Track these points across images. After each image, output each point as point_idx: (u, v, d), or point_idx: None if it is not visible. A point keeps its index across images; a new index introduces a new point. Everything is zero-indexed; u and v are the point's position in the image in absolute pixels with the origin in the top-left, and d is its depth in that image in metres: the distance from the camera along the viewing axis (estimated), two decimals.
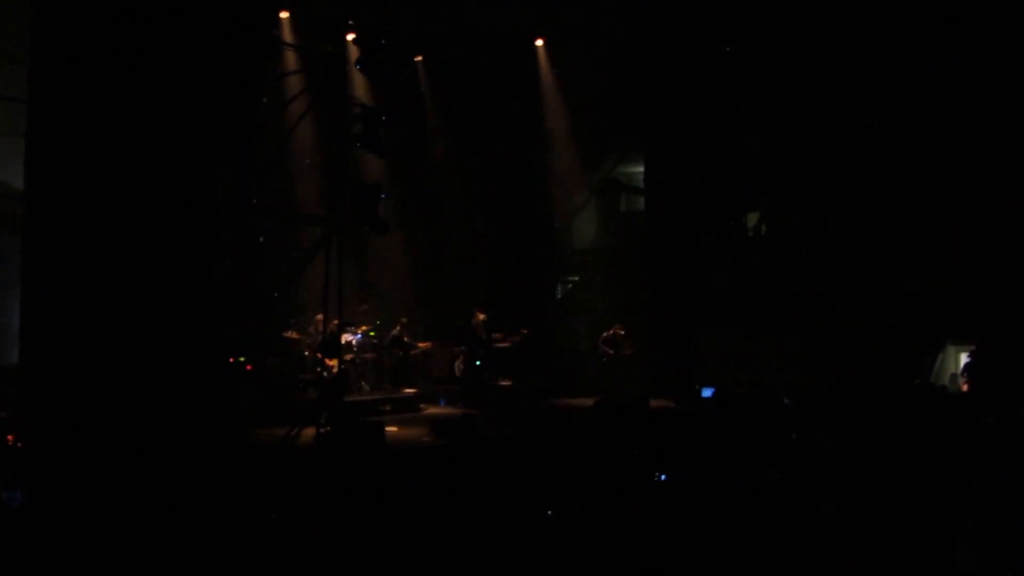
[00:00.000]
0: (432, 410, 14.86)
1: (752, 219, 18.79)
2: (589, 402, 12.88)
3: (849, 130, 16.59)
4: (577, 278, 20.39)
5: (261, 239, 14.47)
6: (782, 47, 16.59)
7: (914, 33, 15.42)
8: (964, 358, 13.51)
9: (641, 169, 19.79)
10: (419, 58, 17.41)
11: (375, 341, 15.59)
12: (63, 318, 6.13)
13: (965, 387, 12.81)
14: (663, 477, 8.05)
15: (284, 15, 14.40)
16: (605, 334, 16.80)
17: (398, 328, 15.79)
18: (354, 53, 13.73)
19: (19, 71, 6.96)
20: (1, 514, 6.13)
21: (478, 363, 15.40)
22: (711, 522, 6.60)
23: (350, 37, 14.32)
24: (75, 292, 6.13)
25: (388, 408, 14.28)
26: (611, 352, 16.58)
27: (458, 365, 16.00)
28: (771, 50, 16.85)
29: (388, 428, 11.16)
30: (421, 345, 16.28)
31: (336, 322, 11.89)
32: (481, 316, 15.41)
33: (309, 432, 10.56)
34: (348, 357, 14.33)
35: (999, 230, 15.24)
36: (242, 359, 12.85)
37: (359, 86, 15.54)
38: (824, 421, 8.78)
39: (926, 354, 15.04)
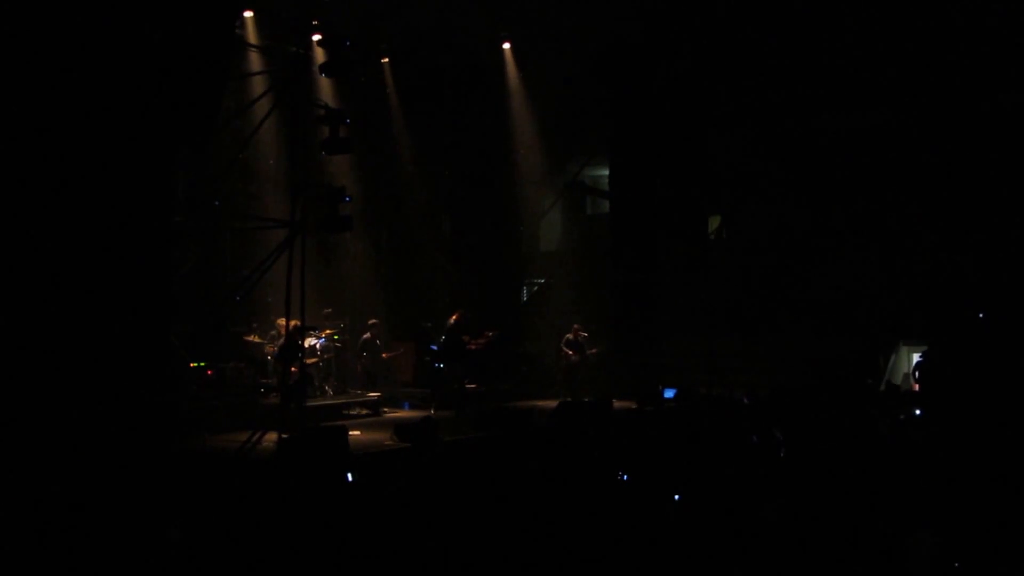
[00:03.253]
0: (397, 414, 14.81)
1: (714, 222, 18.99)
2: (554, 404, 12.96)
3: (807, 134, 16.87)
4: (543, 280, 20.46)
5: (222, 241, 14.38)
6: (745, 52, 16.79)
7: (871, 37, 15.68)
8: (916, 358, 13.76)
9: (606, 172, 19.91)
10: (385, 60, 17.37)
11: (339, 344, 15.51)
12: (10, 319, 6.04)
13: (916, 387, 13.03)
14: (625, 477, 8.11)
15: (248, 14, 14.31)
16: (567, 336, 16.83)
17: (368, 333, 15.72)
18: (319, 54, 13.68)
19: None
20: None
21: (439, 365, 15.37)
22: (670, 520, 6.67)
23: (315, 38, 14.26)
24: (25, 294, 6.05)
25: (352, 412, 14.21)
26: (572, 354, 16.60)
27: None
28: (734, 55, 17.05)
29: (352, 432, 11.11)
30: (386, 356, 16.22)
31: (296, 324, 11.80)
32: (453, 318, 15.39)
33: (271, 437, 10.48)
34: (311, 360, 14.24)
35: (952, 232, 15.55)
36: (202, 363, 12.72)
37: (324, 87, 15.49)
38: (780, 421, 8.89)
39: (879, 354, 15.33)
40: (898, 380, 14.75)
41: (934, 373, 11.97)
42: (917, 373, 12.86)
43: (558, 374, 17.12)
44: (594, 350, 16.78)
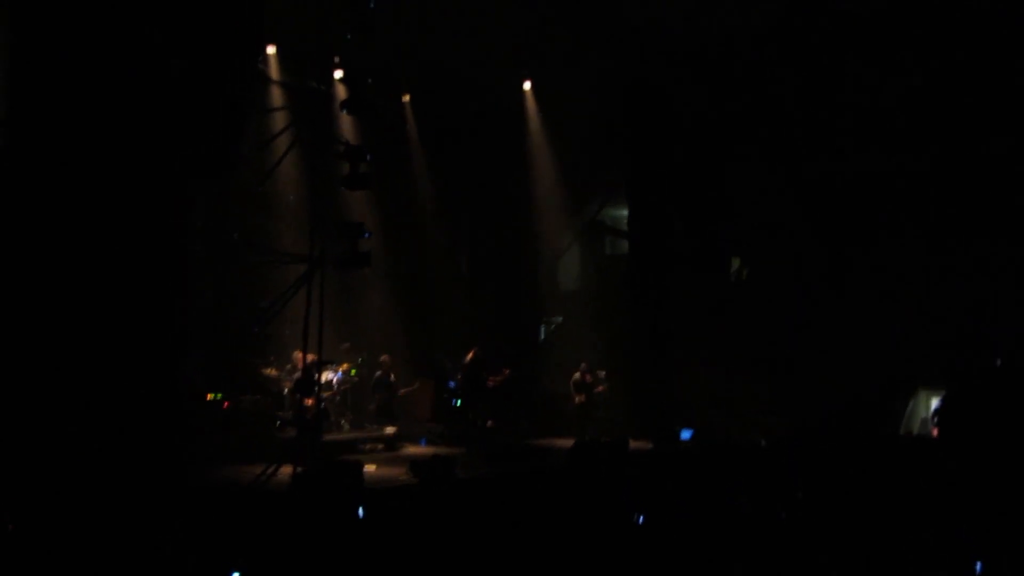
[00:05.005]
0: (412, 449, 14.75)
1: (733, 263, 18.91)
2: (570, 442, 12.85)
3: (827, 176, 16.80)
4: (561, 319, 20.40)
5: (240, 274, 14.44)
6: (765, 93, 16.83)
7: (892, 79, 15.68)
8: (935, 403, 13.56)
9: (625, 212, 19.92)
10: (406, 97, 17.55)
11: (356, 379, 15.50)
12: (29, 350, 6.07)
13: (935, 432, 12.83)
14: (640, 519, 8.00)
15: (271, 50, 14.53)
16: (574, 376, 16.71)
17: (381, 371, 15.69)
18: (340, 90, 13.85)
19: None
20: None
21: (457, 402, 15.32)
22: (687, 564, 6.56)
23: (337, 75, 14.44)
24: (42, 323, 6.08)
25: (368, 447, 14.16)
26: (581, 397, 16.50)
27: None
28: (754, 96, 17.09)
29: (367, 467, 11.07)
30: (403, 391, 16.19)
31: (313, 358, 11.81)
32: (471, 354, 15.36)
33: (286, 470, 10.44)
34: (327, 394, 14.22)
35: (972, 277, 15.41)
36: (219, 395, 12.73)
37: (345, 123, 15.65)
38: (798, 466, 8.77)
39: (898, 399, 15.11)
40: (916, 425, 14.52)
41: (954, 418, 11.78)
42: (936, 418, 12.67)
43: (578, 412, 17.00)
44: (600, 388, 16.63)
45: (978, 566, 5.45)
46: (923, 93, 15.61)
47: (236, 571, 5.50)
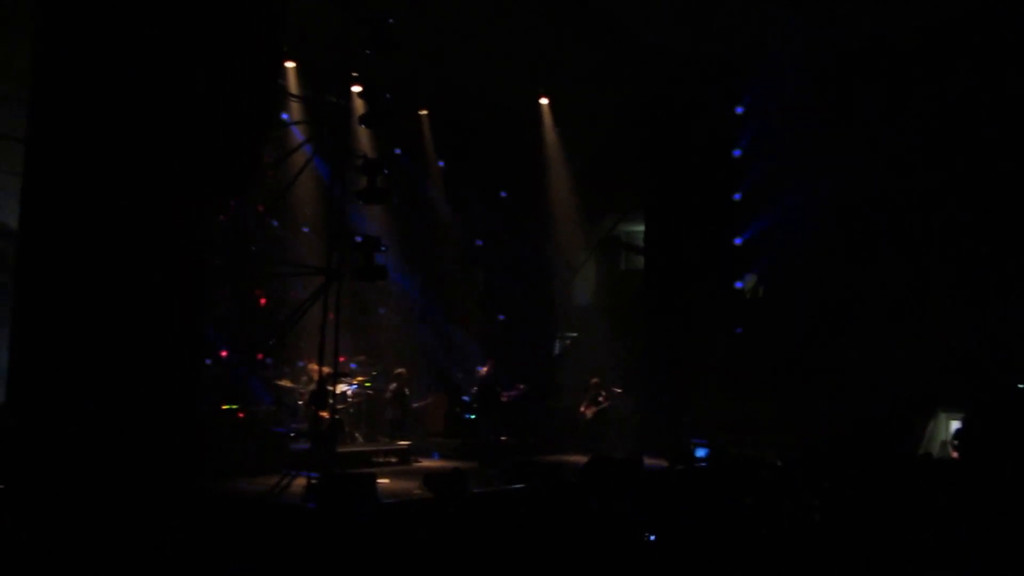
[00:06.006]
0: (426, 463, 14.74)
1: (750, 281, 18.86)
2: (584, 459, 12.80)
3: (845, 194, 16.72)
4: (576, 335, 20.37)
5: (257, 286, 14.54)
6: (780, 111, 16.83)
7: (909, 99, 15.65)
8: (955, 425, 13.43)
9: (641, 228, 19.91)
10: (424, 112, 17.65)
11: (370, 392, 15.53)
12: (51, 360, 6.12)
13: (955, 455, 12.72)
14: (652, 538, 7.95)
15: (290, 65, 14.66)
16: (584, 402, 16.68)
17: (395, 384, 15.71)
18: (358, 104, 13.94)
19: (19, 110, 7.10)
20: None
21: (471, 416, 15.32)
22: None
23: (355, 89, 14.54)
24: (64, 333, 6.14)
25: (381, 460, 14.16)
26: (585, 411, 16.46)
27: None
28: (770, 114, 17.11)
29: (380, 480, 11.08)
30: (417, 405, 16.21)
31: (328, 370, 11.85)
32: (485, 369, 15.37)
33: (300, 482, 10.46)
34: (342, 407, 14.25)
35: (992, 299, 15.28)
36: (234, 406, 12.78)
37: (362, 137, 15.75)
38: (816, 487, 8.69)
39: (917, 421, 14.95)
40: (936, 447, 14.38)
41: (974, 442, 11.68)
42: (956, 441, 12.57)
43: (593, 428, 16.95)
44: (605, 402, 16.57)
45: None
46: (941, 111, 15.58)
47: None
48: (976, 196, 15.65)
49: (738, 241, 17.88)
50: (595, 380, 16.69)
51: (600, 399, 16.53)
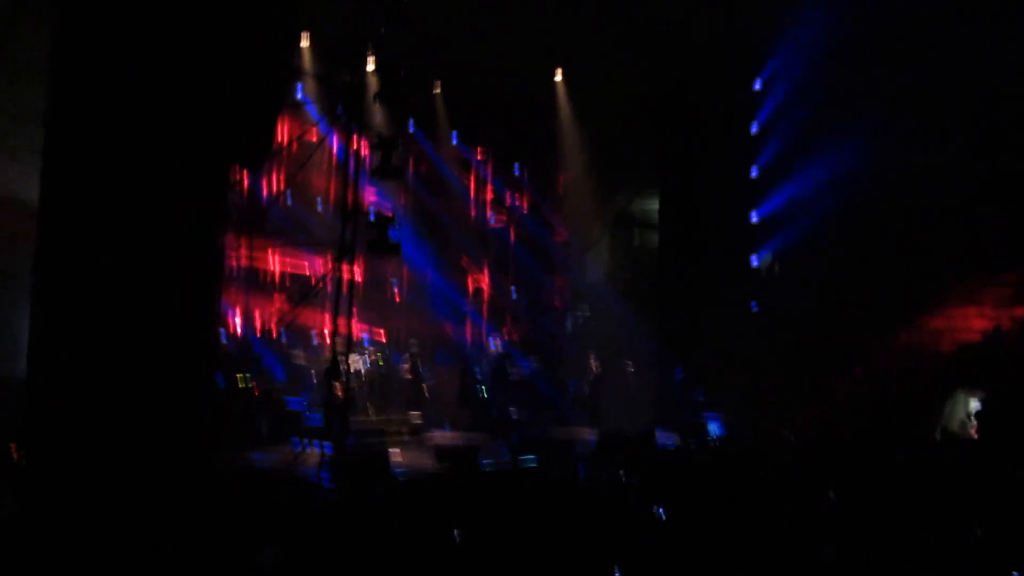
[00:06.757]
0: (437, 436, 14.84)
1: (766, 258, 18.79)
2: (595, 434, 12.88)
3: (865, 171, 16.59)
4: (588, 311, 20.41)
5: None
6: (795, 88, 16.71)
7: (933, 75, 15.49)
8: (975, 404, 13.36)
9: (656, 205, 19.87)
10: (438, 88, 17.62)
11: (382, 366, 15.62)
12: (69, 333, 6.21)
13: (975, 433, 12.68)
14: (661, 512, 8.00)
15: (304, 42, 14.64)
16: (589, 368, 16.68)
17: (408, 357, 15.80)
18: (373, 82, 13.93)
19: (39, 89, 7.16)
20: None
21: (482, 390, 15.38)
22: (708, 560, 6.56)
23: (369, 66, 14.52)
24: (83, 308, 6.22)
25: (393, 433, 14.26)
26: (588, 385, 16.52)
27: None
28: (790, 88, 16.99)
29: (392, 453, 11.19)
30: (429, 379, 16.30)
31: (341, 344, 11.95)
32: (497, 344, 15.43)
33: (314, 455, 10.59)
34: (355, 382, 14.35)
35: (1011, 277, 15.20)
36: (250, 382, 12.90)
37: (377, 114, 15.74)
38: (831, 465, 8.73)
39: (936, 399, 14.87)
40: (955, 426, 14.32)
41: (994, 420, 11.66)
42: (977, 420, 12.54)
43: (605, 404, 17.01)
44: (598, 369, 16.58)
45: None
46: (960, 86, 15.43)
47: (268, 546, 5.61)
48: (995, 172, 15.52)
49: (754, 218, 17.81)
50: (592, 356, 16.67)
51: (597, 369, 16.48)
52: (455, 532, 6.41)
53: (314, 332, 15.19)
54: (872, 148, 16.44)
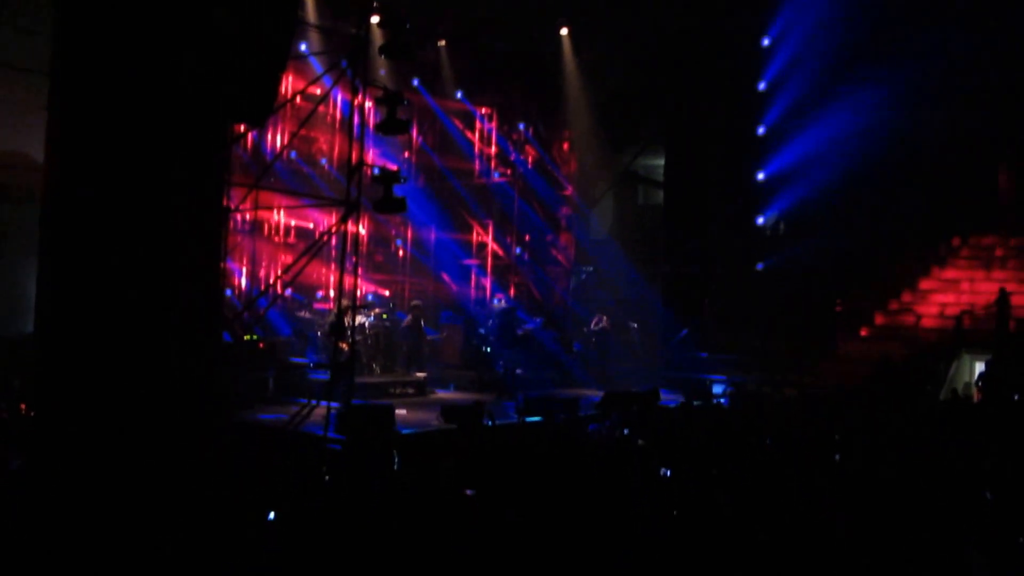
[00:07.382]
0: (442, 394, 14.89)
1: (771, 217, 18.72)
2: (600, 393, 12.91)
3: (873, 130, 16.44)
4: (592, 268, 20.38)
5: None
6: (805, 49, 16.51)
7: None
8: (979, 367, 13.38)
9: (660, 162, 19.73)
10: (442, 43, 17.39)
11: (387, 324, 15.62)
12: (77, 289, 6.18)
13: (977, 396, 12.73)
14: (667, 472, 8.02)
15: None
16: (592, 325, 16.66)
17: (411, 316, 15.80)
18: (378, 36, 13.72)
19: (43, 44, 7.02)
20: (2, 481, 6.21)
21: (487, 349, 15.39)
22: (710, 521, 6.58)
23: (374, 19, 14.31)
24: (89, 264, 6.18)
25: (398, 391, 14.31)
26: (594, 342, 16.49)
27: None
28: (799, 45, 16.78)
29: (398, 411, 11.22)
30: (433, 337, 16.32)
31: (346, 302, 11.93)
32: (502, 301, 15.41)
33: (320, 411, 10.62)
34: (359, 339, 14.37)
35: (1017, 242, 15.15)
36: (255, 337, 12.91)
37: (382, 69, 15.55)
38: (836, 424, 8.74)
39: (940, 362, 14.90)
40: (959, 388, 14.36)
41: (997, 383, 11.69)
42: (980, 383, 12.57)
43: (609, 363, 17.05)
44: (604, 324, 16.59)
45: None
46: (969, 45, 15.26)
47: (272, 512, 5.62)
48: (1007, 132, 15.39)
49: (760, 176, 17.69)
50: (597, 316, 16.69)
51: (601, 327, 16.50)
52: (467, 492, 6.42)
53: (319, 292, 15.20)
54: (880, 107, 16.29)
